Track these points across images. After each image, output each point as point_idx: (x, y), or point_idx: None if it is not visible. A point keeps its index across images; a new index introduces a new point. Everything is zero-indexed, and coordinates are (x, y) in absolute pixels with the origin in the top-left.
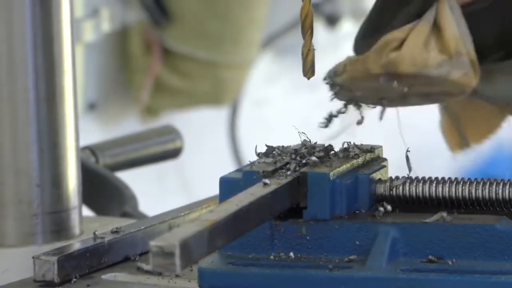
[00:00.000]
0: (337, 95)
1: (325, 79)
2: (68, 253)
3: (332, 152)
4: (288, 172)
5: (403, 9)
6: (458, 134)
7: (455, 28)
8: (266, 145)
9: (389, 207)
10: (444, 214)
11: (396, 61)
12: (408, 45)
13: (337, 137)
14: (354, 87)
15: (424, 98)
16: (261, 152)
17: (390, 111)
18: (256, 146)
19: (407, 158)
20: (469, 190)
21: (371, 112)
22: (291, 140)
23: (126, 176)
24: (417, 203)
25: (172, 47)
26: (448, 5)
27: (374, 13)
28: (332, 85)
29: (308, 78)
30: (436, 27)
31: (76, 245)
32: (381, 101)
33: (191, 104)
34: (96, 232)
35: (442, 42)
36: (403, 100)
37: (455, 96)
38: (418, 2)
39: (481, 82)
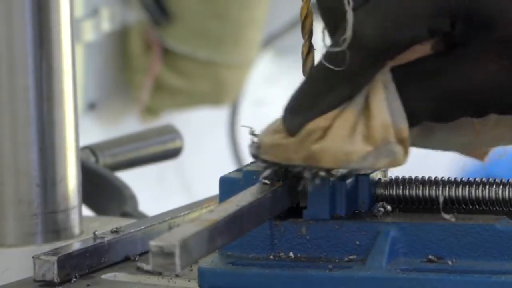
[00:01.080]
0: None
1: (249, 148)
2: (68, 253)
3: None
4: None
5: (327, 95)
6: None
7: (386, 113)
8: None
9: (389, 207)
10: (444, 214)
11: (317, 155)
12: (330, 137)
13: None
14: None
15: None
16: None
17: None
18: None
19: None
20: (469, 190)
21: None
22: None
23: (126, 176)
24: (417, 203)
25: (172, 47)
26: (383, 85)
27: (301, 90)
28: (255, 157)
29: None
30: (366, 110)
31: (76, 245)
32: None
33: (191, 104)
34: (96, 232)
35: (369, 130)
36: None
37: None
38: (344, 91)
39: (418, 137)
